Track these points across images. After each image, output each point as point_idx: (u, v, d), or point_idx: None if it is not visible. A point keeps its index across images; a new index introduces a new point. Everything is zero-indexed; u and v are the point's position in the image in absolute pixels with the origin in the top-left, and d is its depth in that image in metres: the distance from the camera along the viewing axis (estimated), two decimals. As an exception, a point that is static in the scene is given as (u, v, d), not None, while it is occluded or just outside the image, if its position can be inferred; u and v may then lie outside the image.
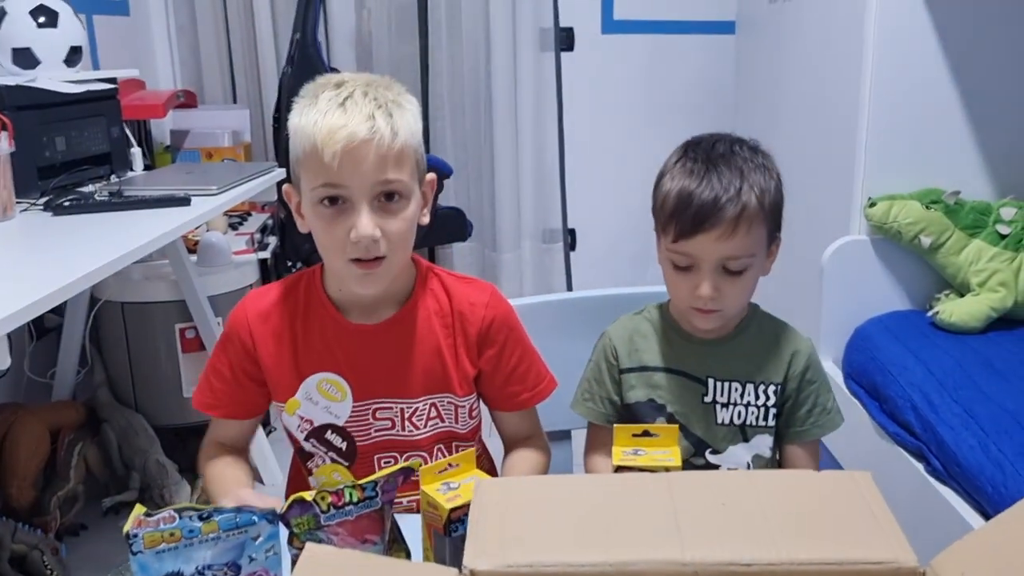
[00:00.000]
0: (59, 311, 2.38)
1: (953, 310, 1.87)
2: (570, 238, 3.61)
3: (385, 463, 1.23)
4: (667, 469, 1.03)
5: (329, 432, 1.22)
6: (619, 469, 1.04)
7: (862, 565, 0.81)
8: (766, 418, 1.21)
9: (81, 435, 2.24)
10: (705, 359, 1.21)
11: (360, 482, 0.95)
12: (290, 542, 0.95)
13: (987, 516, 1.35)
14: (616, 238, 3.57)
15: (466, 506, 0.98)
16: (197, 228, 2.82)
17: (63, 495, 2.11)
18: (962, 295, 1.95)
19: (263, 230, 3.13)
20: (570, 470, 1.50)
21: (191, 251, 2.56)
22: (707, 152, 1.16)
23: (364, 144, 1.09)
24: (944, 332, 1.87)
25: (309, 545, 0.83)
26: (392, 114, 1.12)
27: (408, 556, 1.02)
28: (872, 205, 2.01)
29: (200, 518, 0.90)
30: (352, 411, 1.21)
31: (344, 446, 1.23)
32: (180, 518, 0.89)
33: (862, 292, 2.11)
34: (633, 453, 1.08)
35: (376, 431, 1.22)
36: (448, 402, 1.23)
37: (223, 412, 1.23)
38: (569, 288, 3.57)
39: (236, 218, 3.07)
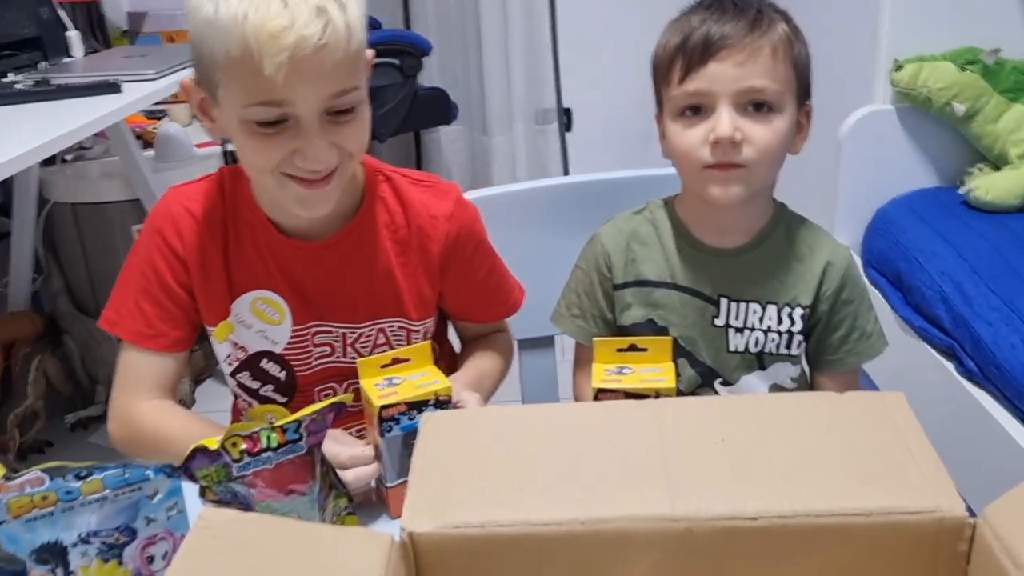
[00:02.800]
0: (7, 213, 2.22)
1: (989, 186, 1.67)
2: (566, 118, 3.40)
3: (325, 396, 1.07)
4: (658, 393, 0.86)
5: (265, 361, 1.06)
6: (600, 393, 0.88)
7: (896, 516, 0.67)
8: (789, 346, 1.04)
9: (39, 348, 2.12)
10: (718, 273, 1.03)
11: (279, 423, 0.79)
12: (203, 495, 0.79)
13: (1031, 424, 1.19)
14: (615, 117, 3.36)
15: (402, 404, 0.87)
16: (159, 120, 2.64)
17: (21, 412, 2.02)
18: (999, 169, 1.75)
19: (232, 120, 2.93)
20: (554, 382, 1.35)
21: (148, 144, 2.37)
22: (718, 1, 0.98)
23: (317, 52, 0.85)
24: (978, 212, 1.68)
25: (204, 511, 0.67)
26: (344, 3, 0.87)
27: (350, 502, 0.86)
28: (898, 69, 1.79)
29: (77, 477, 0.74)
30: (291, 335, 1.04)
31: (283, 376, 1.07)
32: (51, 479, 0.73)
33: (885, 169, 1.91)
34: (617, 372, 0.92)
35: (316, 359, 1.06)
36: (399, 327, 1.06)
37: (165, 343, 1.02)
38: (566, 172, 3.37)
39: (202, 108, 2.88)
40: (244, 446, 0.78)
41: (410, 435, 0.88)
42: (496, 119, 3.38)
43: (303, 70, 0.85)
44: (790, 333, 1.03)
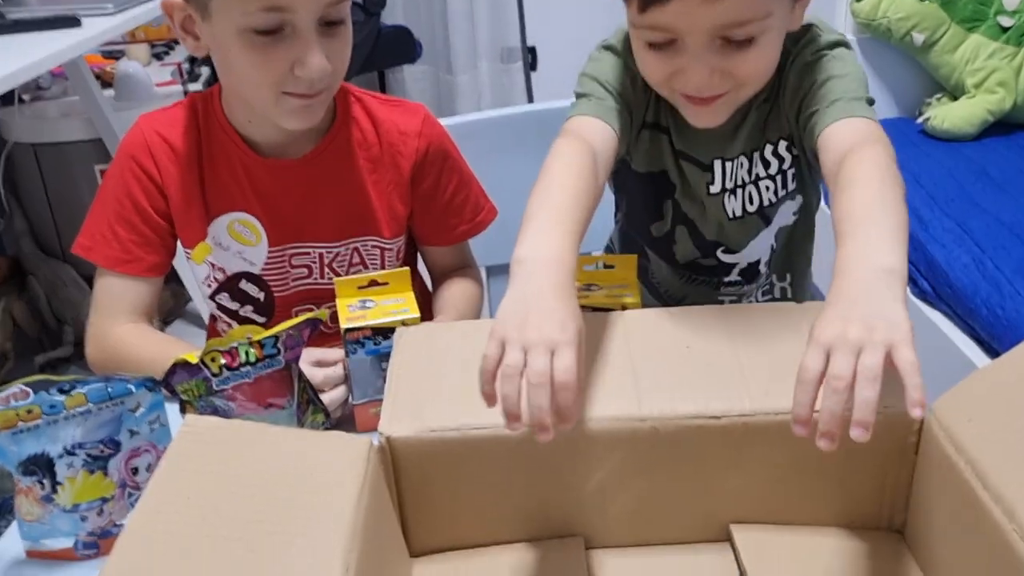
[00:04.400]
0: (-34, 154, 2.18)
1: (946, 115, 1.70)
2: (530, 57, 3.37)
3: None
4: (624, 307, 0.89)
5: (244, 282, 1.08)
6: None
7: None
8: (786, 185, 0.95)
9: (5, 290, 2.10)
10: (713, 135, 0.92)
11: (257, 338, 0.80)
12: (183, 411, 0.81)
13: (980, 341, 1.24)
14: (581, 55, 3.31)
15: (367, 329, 0.88)
16: (116, 60, 2.59)
17: (-11, 354, 1.99)
18: (956, 99, 1.78)
19: (192, 60, 2.88)
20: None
21: (108, 84, 2.33)
22: None
23: None
24: (936, 140, 1.71)
25: (188, 417, 0.69)
26: None
27: (327, 417, 0.89)
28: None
29: (61, 391, 0.75)
30: (268, 257, 1.05)
31: (262, 297, 1.08)
32: (35, 392, 0.74)
33: None
34: (585, 289, 0.94)
35: (294, 280, 1.07)
36: (373, 246, 1.07)
37: (141, 268, 1.03)
38: (531, 112, 3.36)
39: (161, 47, 2.82)
40: (223, 361, 0.79)
41: (377, 359, 0.88)
42: (460, 58, 3.35)
43: None
44: (783, 173, 0.94)
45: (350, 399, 0.92)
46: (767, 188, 0.95)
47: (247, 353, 0.80)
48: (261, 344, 0.80)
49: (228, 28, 0.90)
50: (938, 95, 1.83)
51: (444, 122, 1.22)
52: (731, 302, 1.05)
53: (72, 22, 1.63)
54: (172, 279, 1.70)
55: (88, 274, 2.16)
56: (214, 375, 0.79)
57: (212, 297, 1.08)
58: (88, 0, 1.78)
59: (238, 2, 0.89)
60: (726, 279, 1.03)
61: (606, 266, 0.96)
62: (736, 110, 0.89)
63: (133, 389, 0.77)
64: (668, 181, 0.98)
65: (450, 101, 3.41)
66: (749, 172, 0.94)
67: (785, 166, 0.94)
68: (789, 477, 0.73)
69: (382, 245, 1.08)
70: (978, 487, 0.61)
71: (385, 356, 0.82)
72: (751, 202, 0.96)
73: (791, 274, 1.07)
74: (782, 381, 0.72)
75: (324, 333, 1.08)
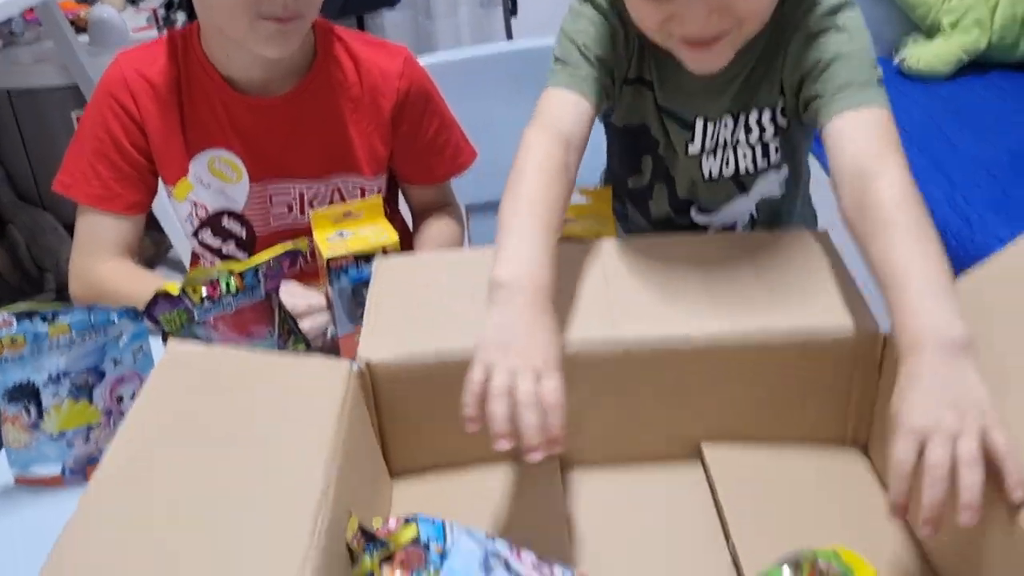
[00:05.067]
0: (-61, 103, 2.15)
1: (921, 55, 1.71)
2: (511, 2, 3.34)
3: None
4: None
5: (226, 219, 1.08)
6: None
7: (818, 333, 0.73)
8: (767, 155, 0.92)
9: (-16, 238, 2.08)
10: (699, 90, 0.89)
11: (237, 269, 0.82)
12: (165, 341, 0.82)
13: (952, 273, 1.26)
14: (562, 1, 3.30)
15: (350, 256, 0.89)
16: (90, 4, 2.55)
17: (-30, 302, 1.98)
18: (932, 38, 1.78)
19: (168, 5, 2.84)
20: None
21: (82, 30, 2.30)
22: None
23: None
24: (912, 80, 1.72)
25: (172, 343, 0.70)
26: None
27: (307, 347, 0.90)
28: (837, -61, 1.79)
29: (44, 320, 0.76)
30: (249, 194, 1.06)
31: (243, 234, 1.09)
32: (19, 322, 0.76)
33: None
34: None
35: (275, 218, 1.08)
36: (353, 184, 1.08)
37: (122, 205, 1.03)
38: (512, 58, 3.34)
39: (136, -9, 2.78)
40: (204, 291, 0.80)
41: (359, 285, 0.90)
42: (440, 2, 3.31)
43: None
44: (763, 144, 0.91)
45: (334, 330, 0.93)
46: (744, 155, 0.92)
47: (228, 284, 0.81)
48: (241, 275, 0.82)
49: None
50: (914, 35, 1.83)
51: (423, 61, 1.22)
52: None
53: (44, -37, 1.60)
54: (152, 226, 1.70)
55: (68, 221, 2.16)
56: (195, 306, 0.80)
57: (195, 235, 1.09)
58: (59, -59, 1.75)
59: None
60: None
61: (579, 199, 0.98)
62: (728, 65, 0.83)
63: (115, 319, 0.79)
64: (649, 136, 0.95)
65: (429, 47, 3.38)
66: (732, 135, 0.91)
67: (767, 137, 0.90)
68: (758, 397, 0.76)
69: (363, 184, 1.08)
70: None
71: (367, 283, 0.83)
72: (727, 166, 0.93)
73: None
74: (752, 306, 0.75)
75: (304, 271, 1.10)
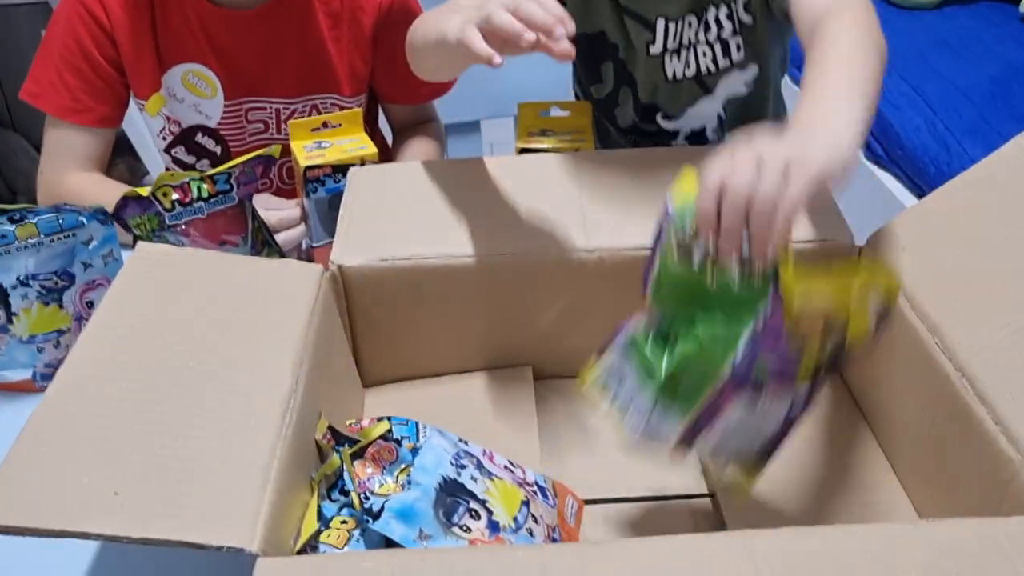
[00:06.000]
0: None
1: (908, -17, 1.69)
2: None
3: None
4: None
5: (200, 135, 1.06)
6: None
7: (793, 244, 0.72)
8: (727, 53, 0.91)
9: (-47, 157, 2.04)
10: None
11: (209, 173, 0.80)
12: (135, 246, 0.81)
13: (927, 199, 1.27)
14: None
15: (327, 167, 0.87)
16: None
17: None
18: (919, -34, 1.76)
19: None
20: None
21: (51, -59, 2.23)
22: None
23: None
24: (898, 9, 1.70)
25: (141, 244, 0.69)
26: None
27: (282, 257, 0.89)
28: None
29: (11, 220, 0.75)
30: (223, 110, 1.04)
31: (218, 151, 1.07)
32: (-16, 221, 0.74)
33: None
34: (539, 134, 0.95)
35: (250, 135, 1.07)
36: (332, 103, 1.07)
37: (91, 118, 1.01)
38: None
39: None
40: (175, 196, 0.79)
41: (336, 197, 0.89)
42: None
43: None
44: (721, 40, 0.91)
45: (310, 241, 0.92)
46: (704, 54, 0.91)
47: (199, 188, 0.80)
48: (213, 179, 0.80)
49: None
50: (903, -38, 1.81)
51: None
52: None
53: None
54: (127, 152, 1.66)
55: (40, 143, 2.12)
56: (166, 210, 0.79)
57: (168, 151, 1.07)
58: None
59: None
60: (674, 144, 0.99)
61: (561, 111, 0.97)
62: None
63: (85, 221, 0.77)
64: (606, 41, 0.94)
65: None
66: (696, 34, 0.90)
67: (726, 34, 0.90)
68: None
69: (341, 103, 1.06)
70: (908, 312, 0.64)
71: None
72: (688, 67, 0.93)
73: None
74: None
75: (280, 189, 1.08)
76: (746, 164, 0.52)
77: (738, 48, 0.91)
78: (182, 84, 1.02)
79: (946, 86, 1.36)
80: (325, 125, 0.92)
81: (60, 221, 0.76)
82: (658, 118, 0.97)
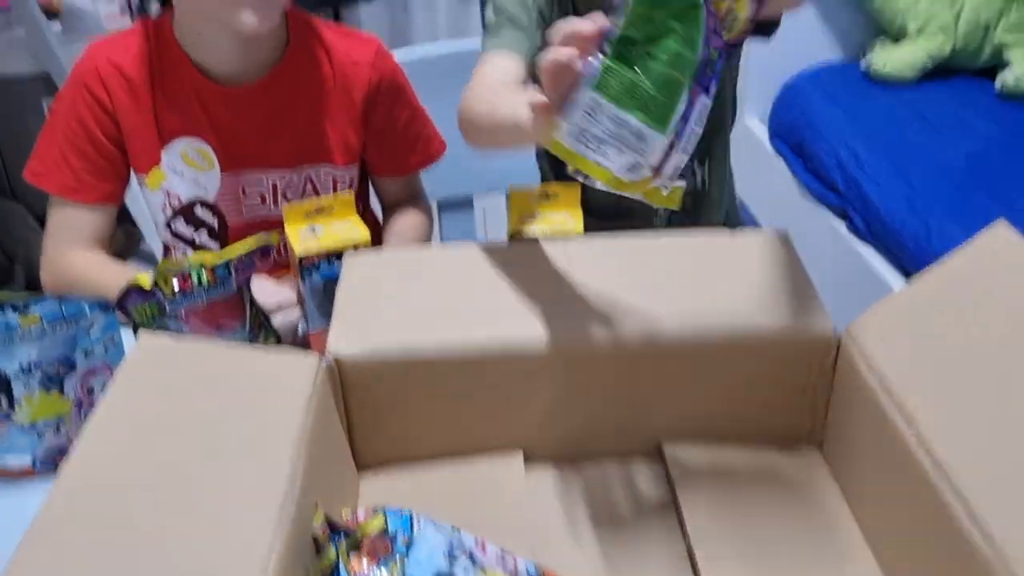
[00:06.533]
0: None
1: (887, 59, 1.74)
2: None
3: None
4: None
5: (199, 208, 1.09)
6: (514, 236, 0.93)
7: (773, 334, 0.75)
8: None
9: (-48, 226, 2.06)
10: None
11: (209, 263, 0.83)
12: (136, 333, 0.83)
13: (908, 275, 1.29)
14: (537, -4, 3.29)
15: (324, 253, 0.90)
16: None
17: (-61, 290, 1.96)
18: (898, 42, 1.81)
19: (142, -8, 2.81)
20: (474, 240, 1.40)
21: (54, 16, 2.28)
22: None
23: None
24: (878, 85, 1.75)
25: (143, 335, 0.71)
26: None
27: (279, 342, 0.91)
28: (807, -56, 1.81)
29: (15, 309, 0.77)
30: (221, 183, 1.07)
31: (215, 223, 1.10)
32: (-10, 312, 0.76)
33: (792, 43, 1.92)
34: (531, 217, 0.98)
35: (247, 208, 1.09)
36: (325, 173, 1.10)
37: (94, 196, 1.04)
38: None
39: (110, -21, 2.75)
40: (176, 284, 0.81)
41: (331, 282, 0.91)
42: (416, -3, 3.30)
43: None
44: None
45: (307, 327, 0.94)
46: None
47: (199, 277, 0.82)
48: (213, 269, 0.83)
49: None
50: (881, 38, 1.86)
51: (398, 55, 1.23)
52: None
53: (16, -50, 1.58)
54: (125, 219, 1.69)
55: (39, 212, 2.14)
56: (167, 298, 0.81)
57: (168, 225, 1.10)
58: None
59: None
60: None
61: (548, 196, 0.99)
62: None
63: (87, 310, 0.79)
64: None
65: (406, 40, 3.36)
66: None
67: None
68: (717, 396, 0.78)
69: (335, 173, 1.10)
70: (886, 402, 0.66)
71: (338, 280, 0.84)
72: None
73: (709, 159, 1.08)
74: (710, 306, 0.77)
75: (277, 264, 1.10)
76: None
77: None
78: (182, 159, 1.06)
79: (926, 163, 1.40)
80: (319, 210, 0.95)
81: (63, 310, 0.78)
82: None
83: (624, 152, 0.60)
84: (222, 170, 1.07)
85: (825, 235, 1.50)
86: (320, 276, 0.91)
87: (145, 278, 0.80)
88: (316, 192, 1.10)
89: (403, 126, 1.13)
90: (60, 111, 1.03)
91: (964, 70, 1.80)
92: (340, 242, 0.91)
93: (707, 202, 1.11)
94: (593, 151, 0.61)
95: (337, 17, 3.26)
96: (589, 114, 0.60)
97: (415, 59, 1.32)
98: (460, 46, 1.38)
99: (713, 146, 1.08)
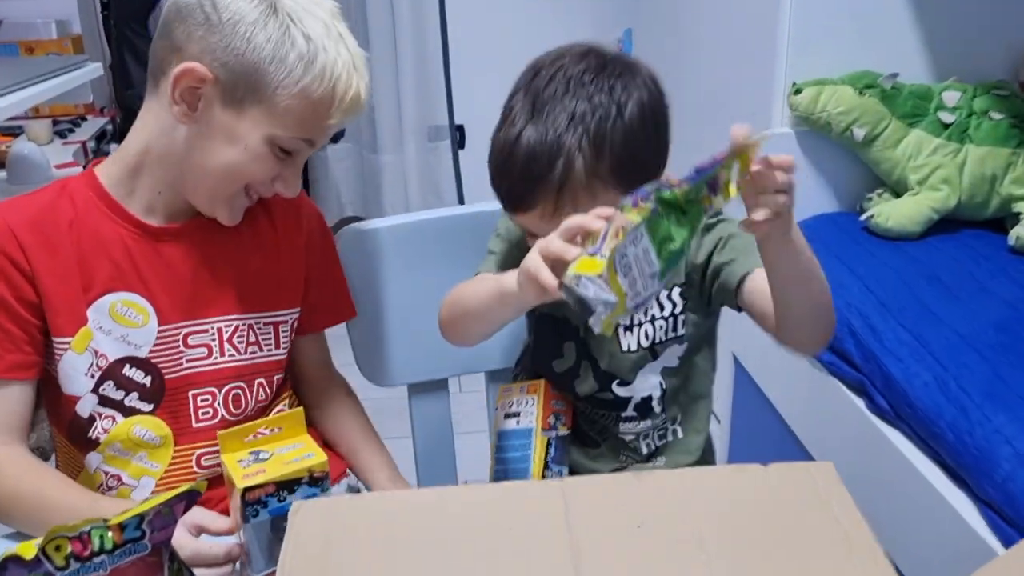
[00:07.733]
0: None
1: (890, 213, 1.63)
2: (459, 135, 3.28)
3: (203, 401, 1.00)
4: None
5: (128, 367, 0.98)
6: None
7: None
8: (675, 328, 1.04)
9: None
10: None
11: (116, 520, 0.66)
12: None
13: (946, 467, 1.14)
14: (510, 135, 3.25)
15: (270, 484, 0.76)
16: (13, 136, 2.43)
17: None
18: (898, 194, 1.72)
19: (100, 138, 2.73)
20: (448, 428, 1.25)
21: (0, 165, 2.17)
22: (539, 90, 0.96)
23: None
24: (879, 239, 1.64)
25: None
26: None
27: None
28: (797, 92, 1.73)
29: None
30: (157, 338, 0.98)
31: (148, 382, 0.98)
32: None
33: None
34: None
35: (188, 361, 1.00)
36: (266, 323, 1.05)
37: (3, 366, 0.93)
38: (460, 193, 3.26)
39: (66, 124, 2.67)
40: (71, 549, 0.64)
41: (280, 519, 0.76)
42: (386, 136, 3.25)
43: (339, 124, 0.97)
44: (674, 316, 1.03)
45: (250, 572, 0.78)
46: (660, 327, 1.03)
47: (102, 538, 0.65)
48: (121, 527, 0.65)
49: (255, 131, 0.93)
50: (879, 190, 1.77)
51: (373, 224, 1.23)
52: (631, 440, 1.07)
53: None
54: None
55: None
56: (59, 568, 0.64)
57: (95, 390, 0.97)
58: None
59: (290, 123, 0.93)
60: (623, 414, 1.07)
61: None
62: None
63: (-50, 594, 0.61)
64: (569, 325, 1.06)
65: (375, 182, 3.29)
66: (646, 313, 1.03)
67: (677, 311, 1.03)
68: None
69: (275, 319, 1.05)
70: None
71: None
72: (646, 338, 1.04)
73: (681, 415, 1.08)
74: (751, 565, 0.61)
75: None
76: None
77: (683, 324, 1.04)
78: (110, 315, 0.96)
79: (949, 334, 1.26)
80: (261, 433, 0.80)
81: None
82: (614, 386, 1.06)
83: (635, 284, 0.74)
84: (159, 323, 0.98)
85: (843, 415, 1.35)
86: (268, 512, 0.78)
87: (29, 546, 0.63)
88: (258, 343, 1.04)
89: (337, 277, 1.16)
90: None
91: (970, 223, 1.70)
92: (290, 470, 0.77)
93: (680, 447, 1.10)
94: (623, 275, 0.73)
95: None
96: (632, 243, 0.73)
97: (391, 226, 1.25)
98: (436, 214, 1.29)
99: (686, 404, 1.09)
